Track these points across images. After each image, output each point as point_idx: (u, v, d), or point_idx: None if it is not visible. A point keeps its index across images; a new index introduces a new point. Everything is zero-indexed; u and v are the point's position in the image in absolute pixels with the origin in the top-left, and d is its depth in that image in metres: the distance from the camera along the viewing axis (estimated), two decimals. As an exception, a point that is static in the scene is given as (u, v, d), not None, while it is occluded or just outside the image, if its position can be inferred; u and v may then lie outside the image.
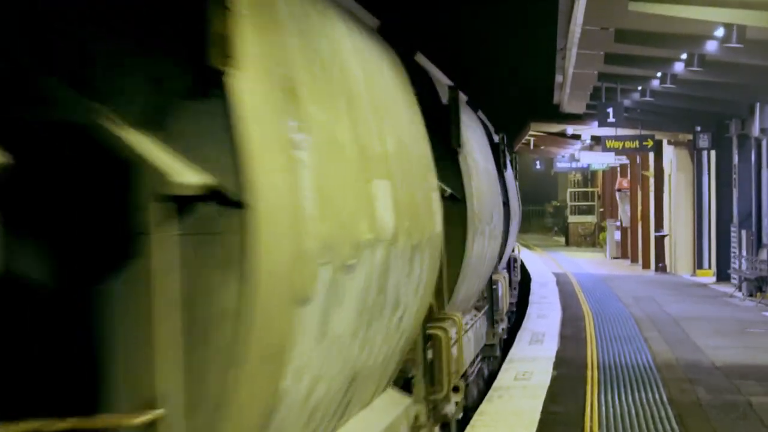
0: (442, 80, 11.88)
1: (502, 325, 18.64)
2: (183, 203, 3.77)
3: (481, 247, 12.39)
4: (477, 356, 15.00)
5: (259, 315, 3.93)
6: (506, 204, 19.13)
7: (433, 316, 9.15)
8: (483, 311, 15.92)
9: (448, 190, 10.54)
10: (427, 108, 8.78)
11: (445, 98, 11.05)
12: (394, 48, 7.81)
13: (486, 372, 17.35)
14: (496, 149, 18.10)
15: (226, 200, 3.86)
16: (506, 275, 20.14)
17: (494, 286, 17.00)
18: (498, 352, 17.73)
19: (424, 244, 7.17)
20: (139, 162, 3.69)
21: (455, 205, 10.80)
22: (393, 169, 6.44)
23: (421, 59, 10.79)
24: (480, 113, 18.75)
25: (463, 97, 14.73)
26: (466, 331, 12.66)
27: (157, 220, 3.71)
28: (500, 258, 18.04)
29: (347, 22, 6.33)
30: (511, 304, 25.31)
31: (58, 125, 3.59)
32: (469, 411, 14.11)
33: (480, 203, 12.09)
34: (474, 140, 13.10)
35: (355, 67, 5.99)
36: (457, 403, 9.84)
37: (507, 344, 21.45)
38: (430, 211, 7.47)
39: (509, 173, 22.23)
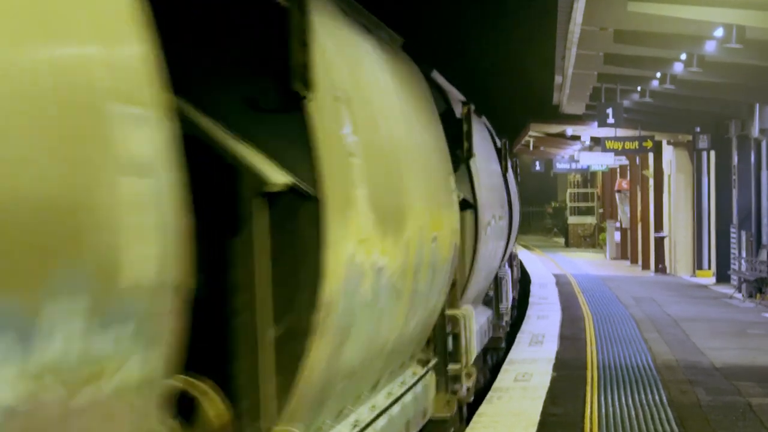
0: (454, 94, 13.00)
1: (506, 318, 19.87)
2: (272, 197, 4.96)
3: (488, 247, 13.77)
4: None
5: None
6: (509, 205, 19.39)
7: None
8: (490, 305, 17.52)
9: (461, 195, 11.50)
10: (444, 120, 9.94)
11: (458, 111, 11.92)
12: (417, 64, 9.34)
13: (491, 362, 18.21)
14: (499, 153, 18.69)
15: (302, 194, 5.08)
16: (510, 272, 21.09)
17: (499, 283, 18.41)
18: (503, 344, 18.85)
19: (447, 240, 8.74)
20: (243, 166, 4.84)
21: (467, 208, 12.16)
22: (418, 171, 7.58)
23: (436, 76, 12.03)
24: (484, 119, 19.13)
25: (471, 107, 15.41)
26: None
27: (256, 209, 4.89)
28: (504, 256, 18.76)
29: (382, 45, 7.72)
30: (513, 299, 25.82)
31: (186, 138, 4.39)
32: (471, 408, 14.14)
33: (488, 207, 13.45)
34: (482, 148, 14.33)
35: (389, 83, 7.37)
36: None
37: (507, 345, 21.43)
38: (450, 210, 8.90)
39: (510, 175, 22.68)
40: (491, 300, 17.56)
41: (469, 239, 12.25)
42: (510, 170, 23.55)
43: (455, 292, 11.19)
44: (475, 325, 12.68)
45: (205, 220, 4.60)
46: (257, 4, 5.20)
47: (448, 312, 10.30)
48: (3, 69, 2.62)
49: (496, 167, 16.81)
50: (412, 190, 7.20)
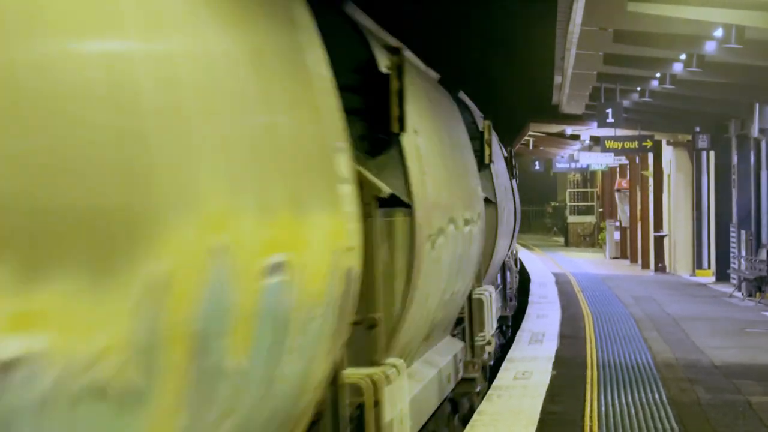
0: (382, 38, 9.20)
1: (489, 349, 14.67)
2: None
3: (442, 266, 10.04)
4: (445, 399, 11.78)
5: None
6: (491, 202, 16.71)
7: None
8: (462, 336, 13.47)
9: (386, 190, 7.81)
10: (362, 77, 7.84)
11: (385, 65, 8.27)
12: None
13: (462, 412, 13.88)
14: (480, 138, 15.50)
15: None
16: (493, 288, 15.83)
17: (476, 307, 13.83)
18: (478, 388, 13.88)
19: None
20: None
21: (397, 210, 8.51)
22: (235, 144, 4.41)
23: (351, 10, 8.64)
24: (462, 95, 16.64)
25: (429, 72, 12.62)
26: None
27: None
28: (483, 271, 15.38)
29: None
30: (505, 317, 23.18)
31: None
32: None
33: (438, 207, 9.72)
34: (436, 123, 10.73)
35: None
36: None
37: (506, 344, 21.46)
38: (333, 212, 5.71)
39: (500, 166, 19.68)
40: (464, 330, 13.46)
41: (400, 257, 8.47)
42: (499, 160, 19.95)
43: (376, 343, 7.87)
44: (417, 385, 9.51)
45: None
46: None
47: (351, 378, 6.88)
48: None
49: (468, 153, 12.79)
50: (199, 174, 3.88)
